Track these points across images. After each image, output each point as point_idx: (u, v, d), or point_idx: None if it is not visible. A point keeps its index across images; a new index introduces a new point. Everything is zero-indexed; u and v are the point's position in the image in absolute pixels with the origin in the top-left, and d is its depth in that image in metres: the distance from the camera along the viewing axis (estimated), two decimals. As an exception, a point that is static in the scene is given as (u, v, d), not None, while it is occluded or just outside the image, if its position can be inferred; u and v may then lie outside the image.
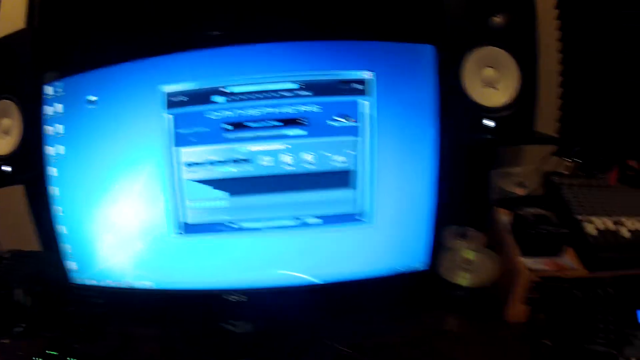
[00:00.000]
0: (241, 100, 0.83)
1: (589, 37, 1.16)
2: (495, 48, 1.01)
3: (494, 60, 1.02)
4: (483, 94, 1.02)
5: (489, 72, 1.02)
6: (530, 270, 0.96)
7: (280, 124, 0.84)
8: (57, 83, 0.90)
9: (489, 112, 1.01)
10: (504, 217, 1.09)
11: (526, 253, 1.00)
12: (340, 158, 0.85)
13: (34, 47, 1.05)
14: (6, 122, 1.11)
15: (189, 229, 0.89)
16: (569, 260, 1.00)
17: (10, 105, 1.08)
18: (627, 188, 1.13)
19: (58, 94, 0.90)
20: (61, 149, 0.90)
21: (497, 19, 1.01)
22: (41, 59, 0.99)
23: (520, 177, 1.15)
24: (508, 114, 1.01)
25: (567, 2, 1.16)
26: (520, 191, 1.14)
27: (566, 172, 1.11)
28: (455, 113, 0.97)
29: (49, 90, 0.90)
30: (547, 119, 1.14)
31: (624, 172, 1.13)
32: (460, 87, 0.97)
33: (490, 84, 1.03)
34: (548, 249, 1.00)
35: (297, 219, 0.88)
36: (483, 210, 1.14)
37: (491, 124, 1.01)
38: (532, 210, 1.03)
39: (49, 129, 0.91)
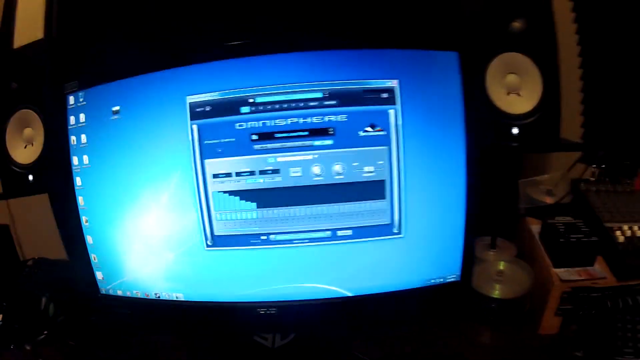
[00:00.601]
0: (267, 110, 0.78)
1: (608, 39, 1.10)
2: (516, 54, 0.97)
3: (516, 67, 0.97)
4: (507, 101, 0.98)
5: (511, 78, 0.98)
6: (563, 281, 0.90)
7: (307, 133, 0.79)
8: (79, 93, 0.86)
9: (514, 119, 0.97)
10: (533, 226, 1.03)
11: (558, 263, 0.94)
12: (369, 168, 0.80)
13: (53, 57, 1.02)
14: (28, 131, 1.08)
15: (218, 241, 0.84)
16: (599, 269, 0.94)
17: (31, 115, 1.06)
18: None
19: (80, 104, 0.86)
20: (85, 159, 0.87)
21: (517, 24, 0.96)
22: (61, 69, 0.95)
23: (548, 184, 1.09)
24: (533, 120, 0.97)
25: (584, 6, 1.11)
26: (548, 199, 1.08)
27: (592, 179, 1.05)
28: (480, 120, 0.93)
29: (70, 100, 0.87)
30: (570, 125, 1.08)
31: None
32: (484, 94, 0.93)
33: (513, 90, 0.98)
34: (579, 258, 0.93)
35: (327, 231, 0.82)
36: (512, 219, 1.09)
37: (516, 131, 0.97)
38: (561, 218, 0.97)
39: (72, 139, 0.87)
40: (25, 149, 1.09)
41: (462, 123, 0.82)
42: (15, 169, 1.08)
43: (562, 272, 0.92)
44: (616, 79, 1.09)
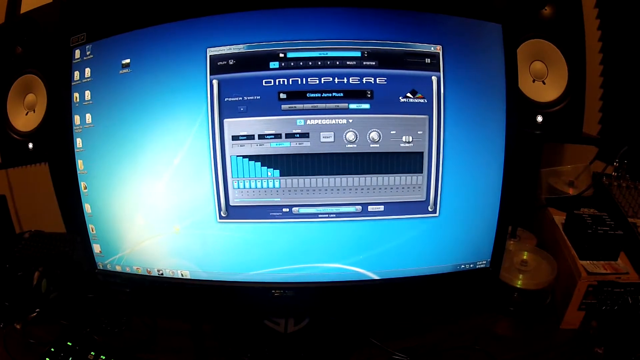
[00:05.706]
0: (299, 67, 0.60)
1: (631, 35, 0.93)
2: (544, 41, 0.80)
3: (543, 54, 0.81)
4: (532, 88, 0.81)
5: (537, 65, 0.81)
6: (590, 274, 0.73)
7: (342, 95, 0.60)
8: (86, 46, 0.65)
9: (539, 107, 0.80)
10: (556, 217, 0.85)
11: (583, 255, 0.76)
12: (408, 138, 0.61)
13: (62, 18, 0.82)
14: (30, 97, 0.88)
15: (233, 212, 0.64)
16: (622, 265, 0.77)
17: (35, 80, 0.86)
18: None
19: (87, 58, 0.66)
20: (88, 118, 0.66)
21: (546, 11, 0.79)
22: (69, 25, 0.73)
23: (570, 176, 0.91)
24: (558, 109, 0.79)
25: (608, 1, 0.94)
26: (571, 191, 0.90)
27: (614, 174, 0.87)
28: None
29: (76, 54, 0.66)
30: (588, 119, 0.91)
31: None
32: (516, 76, 0.75)
33: (538, 78, 0.81)
34: (605, 252, 0.76)
35: (358, 205, 0.63)
36: (531, 209, 0.90)
37: (540, 119, 0.79)
38: (587, 210, 0.79)
39: (75, 96, 0.66)
40: (26, 115, 0.89)
41: (504, 100, 0.64)
42: (15, 136, 0.88)
43: (588, 265, 0.75)
44: (637, 75, 0.92)
